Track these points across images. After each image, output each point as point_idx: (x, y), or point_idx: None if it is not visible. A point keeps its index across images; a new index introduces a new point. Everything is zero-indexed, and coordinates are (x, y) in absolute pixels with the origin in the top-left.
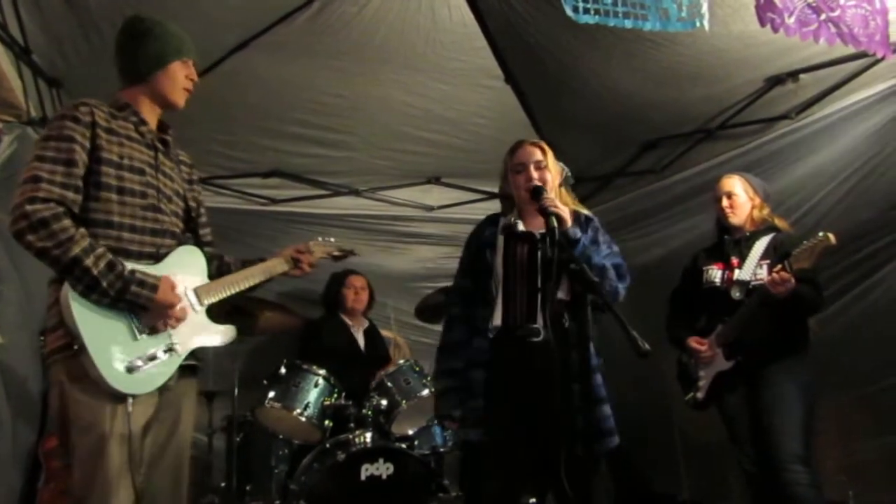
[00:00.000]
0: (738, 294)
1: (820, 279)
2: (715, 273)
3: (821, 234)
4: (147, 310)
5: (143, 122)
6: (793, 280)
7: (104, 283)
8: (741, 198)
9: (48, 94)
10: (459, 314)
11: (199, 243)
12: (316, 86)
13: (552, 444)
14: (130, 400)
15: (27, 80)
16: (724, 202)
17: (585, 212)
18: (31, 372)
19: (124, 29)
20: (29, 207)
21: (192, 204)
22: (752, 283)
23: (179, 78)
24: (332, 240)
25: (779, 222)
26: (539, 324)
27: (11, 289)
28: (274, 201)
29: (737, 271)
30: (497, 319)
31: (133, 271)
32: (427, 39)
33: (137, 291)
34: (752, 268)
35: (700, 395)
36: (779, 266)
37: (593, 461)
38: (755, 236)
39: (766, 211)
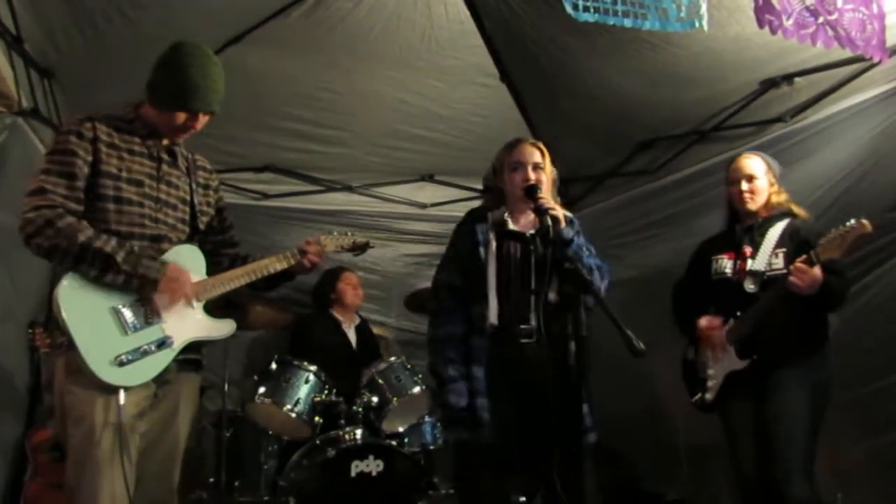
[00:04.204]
0: (752, 286)
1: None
2: (725, 263)
3: (852, 220)
4: (157, 283)
5: (151, 136)
6: (819, 271)
7: (118, 258)
8: (762, 182)
9: (40, 84)
10: (453, 308)
11: (218, 243)
12: (310, 81)
13: (545, 443)
14: (122, 392)
15: (19, 70)
16: (745, 185)
17: (567, 213)
18: (17, 365)
19: (165, 52)
20: (34, 214)
21: (204, 208)
22: (767, 273)
23: (177, 123)
24: (349, 232)
25: (795, 208)
26: (532, 325)
27: None
28: (267, 196)
29: (749, 261)
30: (493, 318)
31: (143, 249)
32: (423, 36)
33: (148, 264)
34: (767, 257)
35: (709, 395)
36: (803, 256)
37: (579, 458)
38: (768, 223)
39: (783, 196)
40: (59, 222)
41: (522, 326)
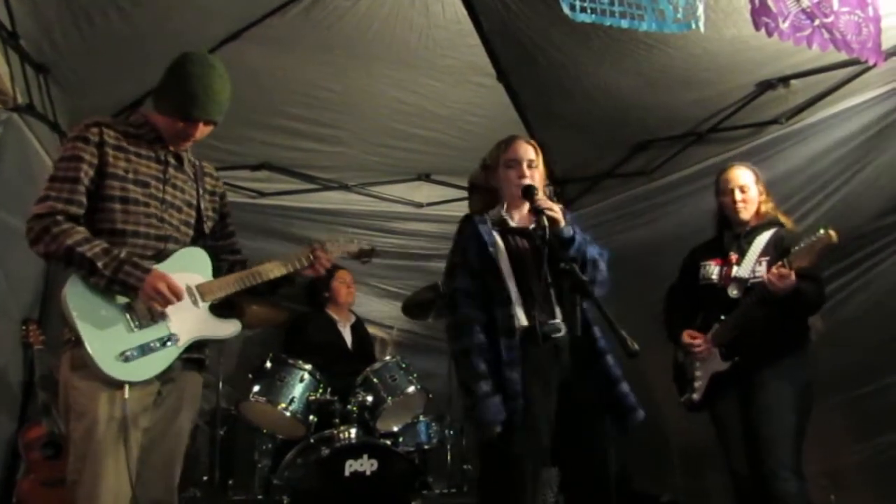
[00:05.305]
0: (735, 292)
1: (821, 275)
2: (712, 269)
3: (821, 230)
4: (138, 290)
5: (158, 140)
6: (793, 276)
7: (100, 264)
8: (753, 192)
9: (35, 80)
10: (475, 316)
11: (218, 249)
12: (307, 79)
13: (581, 433)
14: (127, 387)
15: (14, 65)
16: (738, 195)
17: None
18: (10, 361)
19: (173, 60)
20: (33, 222)
21: (210, 213)
22: (751, 280)
23: (176, 129)
24: (355, 239)
25: (782, 217)
26: (559, 318)
27: None
28: (263, 194)
29: (735, 268)
30: (522, 319)
31: (130, 256)
32: (420, 36)
33: (130, 271)
34: (752, 264)
35: (696, 396)
36: (778, 263)
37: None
38: (756, 231)
39: (770, 205)
40: (55, 229)
41: (551, 322)
